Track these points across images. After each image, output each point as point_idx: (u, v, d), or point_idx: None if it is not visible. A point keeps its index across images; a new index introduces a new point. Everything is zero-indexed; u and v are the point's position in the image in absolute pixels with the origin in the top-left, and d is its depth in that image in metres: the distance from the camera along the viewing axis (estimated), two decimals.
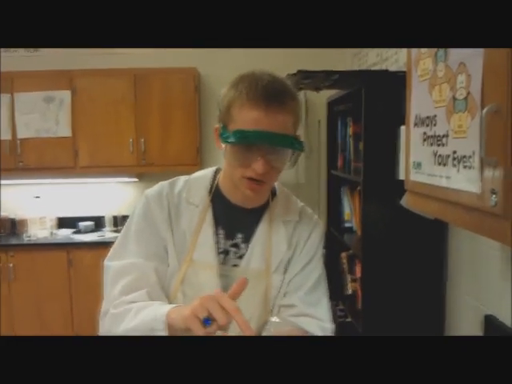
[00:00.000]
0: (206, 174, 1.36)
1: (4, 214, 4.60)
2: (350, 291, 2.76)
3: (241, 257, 1.27)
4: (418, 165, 1.51)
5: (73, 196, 4.74)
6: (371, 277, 2.27)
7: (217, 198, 1.30)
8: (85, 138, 4.33)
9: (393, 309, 2.23)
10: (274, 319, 1.28)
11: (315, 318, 1.28)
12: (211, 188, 1.31)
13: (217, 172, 1.36)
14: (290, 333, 1.22)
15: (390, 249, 2.23)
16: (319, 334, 1.26)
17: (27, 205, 4.60)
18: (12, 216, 4.62)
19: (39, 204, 4.57)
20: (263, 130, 1.10)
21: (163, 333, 1.04)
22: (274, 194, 1.35)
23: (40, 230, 4.43)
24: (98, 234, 4.39)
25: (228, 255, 1.27)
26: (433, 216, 1.54)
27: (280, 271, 1.29)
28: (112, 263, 1.24)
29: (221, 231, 1.27)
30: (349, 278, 2.78)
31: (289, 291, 1.31)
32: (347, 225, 3.00)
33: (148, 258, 1.23)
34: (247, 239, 1.28)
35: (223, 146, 1.18)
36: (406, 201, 1.64)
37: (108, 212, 4.61)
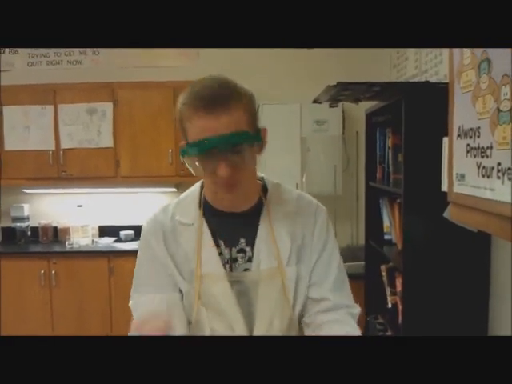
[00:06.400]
0: (193, 190, 1.37)
1: (47, 222, 4.72)
2: (389, 305, 2.72)
3: (249, 260, 1.27)
4: (462, 176, 1.50)
5: (114, 205, 4.84)
6: (412, 290, 2.24)
7: (208, 210, 1.31)
8: (126, 149, 4.42)
9: (434, 323, 2.19)
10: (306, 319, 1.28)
11: (345, 307, 1.28)
12: (200, 202, 1.32)
13: (203, 186, 1.36)
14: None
15: (431, 262, 2.20)
16: (352, 322, 1.26)
17: (70, 213, 4.71)
18: (54, 224, 4.74)
19: (81, 212, 4.68)
20: (211, 136, 1.11)
21: None
22: (265, 190, 1.34)
23: (82, 238, 4.53)
24: (138, 242, 4.43)
25: (236, 262, 1.27)
26: (476, 228, 1.53)
27: (292, 263, 1.28)
28: (132, 301, 1.31)
29: (222, 241, 1.28)
30: (388, 291, 2.75)
31: (314, 283, 1.30)
32: (386, 237, 2.97)
33: (159, 291, 1.28)
34: (251, 242, 1.28)
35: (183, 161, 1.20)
36: (449, 213, 1.62)
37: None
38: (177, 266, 1.28)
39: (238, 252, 1.27)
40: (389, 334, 2.52)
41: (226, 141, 1.11)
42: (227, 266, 1.27)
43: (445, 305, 2.20)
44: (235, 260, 1.27)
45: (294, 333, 1.32)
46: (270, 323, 1.27)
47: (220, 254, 1.27)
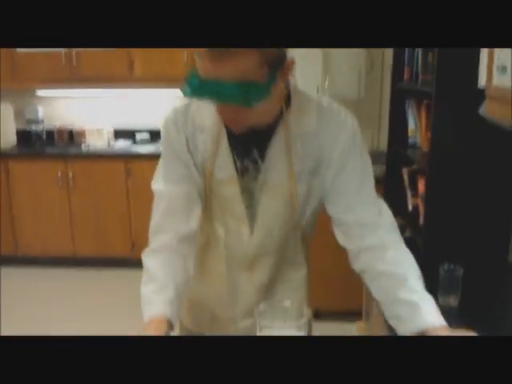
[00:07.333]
0: None
1: (62, 125, 4.68)
2: (410, 207, 2.70)
3: (259, 171, 1.26)
4: (503, 69, 1.42)
5: (129, 108, 4.78)
6: (436, 192, 2.19)
7: None
8: (139, 50, 4.27)
9: (456, 226, 2.16)
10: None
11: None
12: None
13: None
14: None
15: (458, 164, 2.13)
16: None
17: (84, 116, 4.66)
18: (70, 127, 4.70)
19: (96, 115, 4.63)
20: (210, 80, 1.01)
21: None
22: (289, 101, 1.23)
23: (97, 141, 4.51)
24: (154, 145, 4.44)
25: (248, 171, 1.26)
26: None
27: (303, 180, 1.25)
28: (153, 189, 1.31)
29: (236, 150, 1.25)
30: (409, 193, 2.72)
31: (332, 199, 1.27)
32: (411, 140, 2.89)
33: (176, 182, 1.27)
34: (263, 154, 1.24)
35: None
36: (485, 108, 1.55)
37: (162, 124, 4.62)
38: (195, 164, 1.28)
39: (250, 162, 1.26)
40: (408, 235, 2.50)
41: (224, 93, 1.01)
42: (240, 171, 1.27)
43: (469, 209, 2.16)
44: (246, 169, 1.26)
45: (292, 240, 1.38)
46: (269, 232, 1.32)
47: (234, 161, 1.26)
